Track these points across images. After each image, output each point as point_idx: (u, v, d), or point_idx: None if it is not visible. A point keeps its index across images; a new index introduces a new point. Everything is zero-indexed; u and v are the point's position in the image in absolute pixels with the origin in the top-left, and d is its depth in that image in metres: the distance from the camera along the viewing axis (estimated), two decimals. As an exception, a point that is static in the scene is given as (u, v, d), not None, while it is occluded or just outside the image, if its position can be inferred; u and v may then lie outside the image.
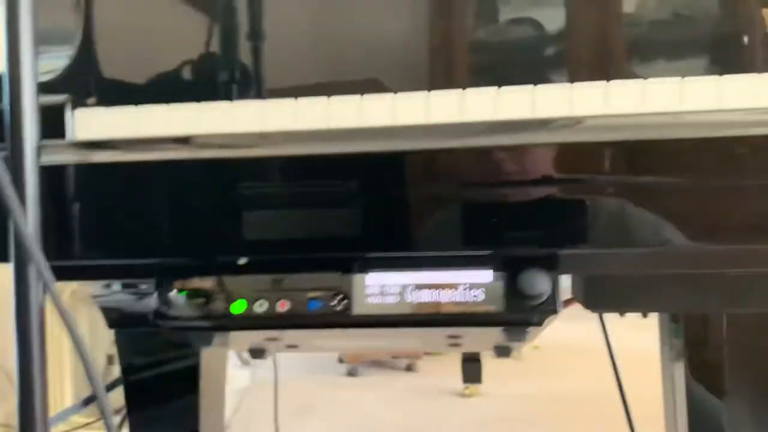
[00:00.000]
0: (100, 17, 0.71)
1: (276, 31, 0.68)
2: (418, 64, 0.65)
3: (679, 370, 0.95)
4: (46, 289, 0.52)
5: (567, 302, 0.87)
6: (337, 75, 0.68)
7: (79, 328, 0.48)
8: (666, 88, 0.57)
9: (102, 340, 2.34)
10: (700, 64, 0.64)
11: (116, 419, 1.48)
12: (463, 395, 2.69)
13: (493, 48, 0.67)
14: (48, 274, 0.51)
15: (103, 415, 0.48)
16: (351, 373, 3.07)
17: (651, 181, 0.57)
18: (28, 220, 0.54)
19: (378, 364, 3.23)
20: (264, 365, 3.17)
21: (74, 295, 2.13)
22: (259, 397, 2.73)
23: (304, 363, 3.25)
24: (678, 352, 0.96)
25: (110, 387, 1.19)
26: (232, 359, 3.18)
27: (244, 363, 3.22)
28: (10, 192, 0.51)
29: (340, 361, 3.23)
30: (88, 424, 1.97)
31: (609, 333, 1.45)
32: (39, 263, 0.51)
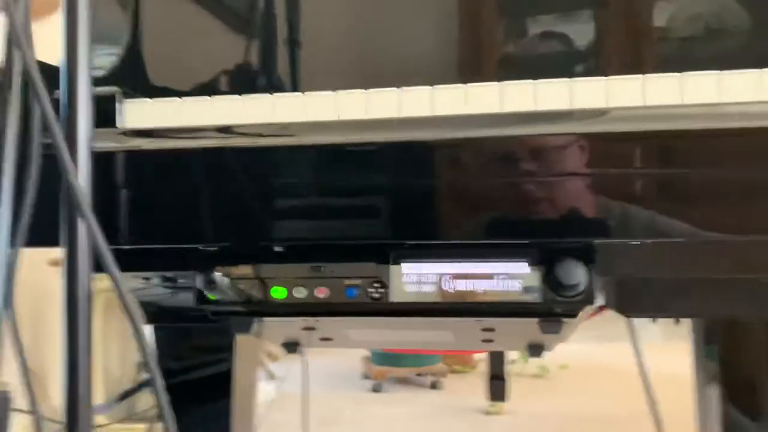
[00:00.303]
0: (148, 19, 0.74)
1: (313, 28, 0.71)
2: (453, 59, 0.67)
3: (714, 392, 0.94)
4: (97, 252, 0.53)
5: (599, 309, 0.86)
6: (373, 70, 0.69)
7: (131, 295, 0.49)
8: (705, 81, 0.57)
9: (133, 350, 2.37)
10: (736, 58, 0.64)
11: (141, 426, 1.50)
12: (488, 413, 2.66)
13: (526, 43, 0.68)
14: (99, 235, 0.51)
15: (157, 398, 0.49)
16: (376, 389, 3.06)
17: (689, 173, 0.57)
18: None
19: (403, 381, 3.22)
20: (289, 379, 3.18)
21: (110, 305, 2.17)
22: (284, 409, 2.73)
23: (329, 378, 3.24)
24: (712, 374, 0.95)
25: (139, 387, 1.20)
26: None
27: (270, 377, 3.23)
28: (68, 163, 0.53)
29: (365, 377, 3.22)
30: (105, 425, 2.00)
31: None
32: (92, 225, 0.52)
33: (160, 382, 0.49)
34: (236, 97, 0.64)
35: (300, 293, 0.61)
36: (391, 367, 3.14)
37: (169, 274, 0.77)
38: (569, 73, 0.60)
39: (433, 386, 3.12)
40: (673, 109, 0.57)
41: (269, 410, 2.74)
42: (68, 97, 0.57)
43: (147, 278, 0.83)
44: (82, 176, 0.56)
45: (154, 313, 0.87)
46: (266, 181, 0.61)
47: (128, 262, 0.69)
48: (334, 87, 0.62)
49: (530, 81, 0.59)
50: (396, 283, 0.61)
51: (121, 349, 2.30)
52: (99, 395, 2.09)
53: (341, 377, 3.28)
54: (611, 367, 3.29)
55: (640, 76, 0.58)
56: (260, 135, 0.62)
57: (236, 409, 1.04)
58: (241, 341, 1.02)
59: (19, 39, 0.53)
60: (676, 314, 0.95)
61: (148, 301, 0.86)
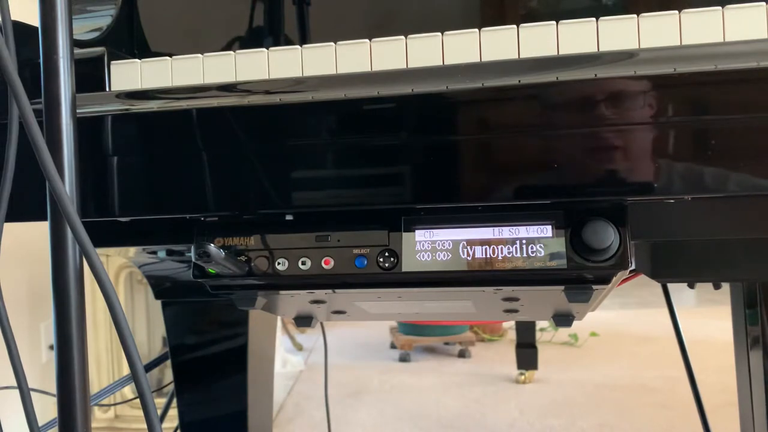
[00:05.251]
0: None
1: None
2: (462, 7, 0.61)
3: (756, 358, 0.89)
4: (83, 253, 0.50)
5: (630, 274, 0.80)
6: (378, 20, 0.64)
7: (117, 295, 0.45)
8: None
9: (160, 323, 2.39)
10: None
11: (161, 400, 1.50)
12: (518, 381, 2.63)
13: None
14: (84, 235, 0.48)
15: (140, 395, 0.45)
16: (403, 359, 3.04)
17: (733, 119, 0.51)
18: (65, 177, 0.53)
19: (430, 350, 3.20)
20: (316, 350, 3.19)
21: (133, 280, 2.17)
22: (312, 380, 2.74)
23: (357, 349, 3.24)
24: (754, 339, 0.89)
25: (154, 364, 1.19)
26: (287, 344, 3.22)
27: (298, 349, 3.24)
28: (43, 148, 0.49)
29: (393, 347, 3.20)
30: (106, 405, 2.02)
31: (665, 321, 1.38)
32: (75, 223, 0.48)
33: (144, 380, 0.45)
34: (230, 53, 0.59)
35: (305, 264, 0.57)
36: (418, 337, 3.12)
37: (171, 247, 0.74)
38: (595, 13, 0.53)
39: (461, 355, 3.09)
40: (714, 48, 0.51)
41: (297, 382, 2.75)
42: (45, 57, 0.52)
43: (153, 252, 0.80)
44: (65, 147, 0.53)
45: (162, 288, 0.84)
46: (266, 143, 0.56)
47: (126, 235, 0.65)
48: (335, 38, 0.57)
49: (551, 23, 0.53)
50: (408, 252, 0.56)
51: (147, 323, 2.32)
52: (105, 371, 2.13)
53: (370, 348, 3.28)
54: (642, 335, 3.23)
55: (676, 12, 0.52)
56: (260, 93, 0.57)
57: (252, 381, 1.01)
58: (256, 313, 0.99)
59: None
60: (714, 278, 0.88)
61: (156, 275, 0.83)
